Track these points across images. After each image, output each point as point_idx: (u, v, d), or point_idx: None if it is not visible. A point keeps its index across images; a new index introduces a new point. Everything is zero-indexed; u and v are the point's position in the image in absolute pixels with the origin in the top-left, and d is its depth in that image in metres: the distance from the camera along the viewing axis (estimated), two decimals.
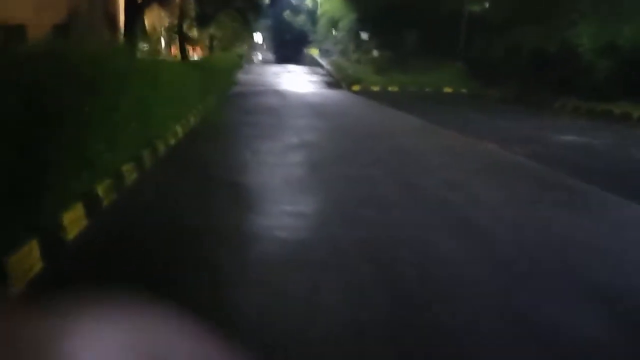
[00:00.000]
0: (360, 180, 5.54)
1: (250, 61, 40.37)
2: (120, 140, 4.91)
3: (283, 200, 4.74)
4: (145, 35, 12.20)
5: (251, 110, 12.38)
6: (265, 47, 57.80)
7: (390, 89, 21.61)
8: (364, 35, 26.62)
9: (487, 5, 24.13)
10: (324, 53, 37.24)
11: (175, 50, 18.29)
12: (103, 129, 4.50)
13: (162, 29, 16.82)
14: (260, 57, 51.73)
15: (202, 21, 14.17)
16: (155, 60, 7.32)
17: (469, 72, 22.58)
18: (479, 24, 22.73)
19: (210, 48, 18.95)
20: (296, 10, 45.19)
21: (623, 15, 14.71)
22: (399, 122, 11.51)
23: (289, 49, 46.16)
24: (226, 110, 12.43)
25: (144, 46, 12.07)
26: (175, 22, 15.42)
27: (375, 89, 21.43)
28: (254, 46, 46.97)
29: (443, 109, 14.63)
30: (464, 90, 21.54)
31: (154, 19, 17.55)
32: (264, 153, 7.07)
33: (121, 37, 13.61)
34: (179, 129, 7.81)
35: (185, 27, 14.48)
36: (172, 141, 7.19)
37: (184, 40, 13.31)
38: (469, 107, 15.54)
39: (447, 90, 21.70)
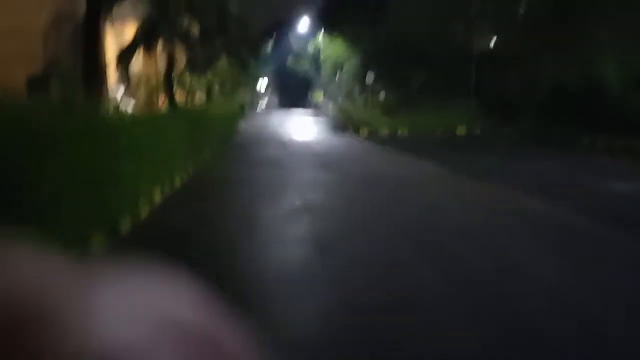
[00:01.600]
0: (383, 265, 4.11)
1: (253, 108, 39.73)
2: (55, 220, 3.56)
3: (280, 318, 3.30)
4: (128, 86, 11.08)
5: (250, 163, 11.10)
6: (269, 92, 57.66)
7: (399, 132, 20.42)
8: (369, 77, 25.73)
9: (494, 40, 23.19)
10: (329, 97, 36.52)
11: (181, 97, 17.32)
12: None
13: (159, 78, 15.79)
14: (264, 103, 51.38)
15: (196, 68, 13.12)
16: (116, 116, 6.03)
17: (482, 110, 21.42)
18: (489, 59, 21.74)
19: (208, 96, 17.97)
20: (299, 55, 44.95)
21: None
22: (415, 172, 10.14)
23: (293, 94, 45.74)
24: (222, 164, 11.17)
25: (124, 100, 10.97)
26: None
27: (384, 132, 20.24)
28: (257, 92, 46.57)
29: (460, 153, 13.30)
30: (477, 131, 20.30)
31: (149, 68, 16.66)
32: (255, 224, 5.69)
33: (107, 90, 12.54)
34: (155, 195, 6.47)
35: (177, 74, 13.43)
36: (144, 211, 5.83)
37: (172, 89, 12.17)
38: (488, 149, 14.22)
39: (460, 130, 20.46)
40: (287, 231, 5.24)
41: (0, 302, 0.16)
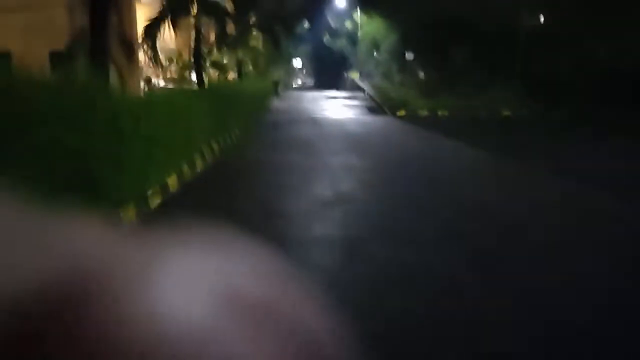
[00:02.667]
0: (432, 285, 3.39)
1: (288, 87, 39.04)
2: None
3: None
4: (156, 60, 10.55)
5: (280, 145, 10.46)
6: (304, 72, 56.81)
7: (440, 113, 19.36)
8: (409, 56, 24.53)
9: (542, 18, 21.56)
10: (366, 76, 35.43)
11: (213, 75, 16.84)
12: None
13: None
14: (299, 82, 50.61)
15: (226, 44, 12.49)
16: (121, 96, 5.44)
17: (529, 92, 20.04)
18: (537, 38, 20.26)
19: (239, 74, 17.38)
20: (336, 34, 43.79)
21: None
22: (460, 159, 9.28)
23: (328, 73, 44.72)
24: (251, 146, 10.58)
25: (152, 74, 10.46)
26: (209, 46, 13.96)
27: (423, 114, 19.23)
28: (292, 71, 45.80)
29: (510, 137, 12.25)
30: (524, 113, 19.02)
31: (180, 43, 16.17)
32: (279, 218, 5.05)
33: (137, 67, 12.09)
34: (171, 181, 5.91)
35: (206, 51, 12.84)
36: (153, 202, 5.26)
37: (200, 65, 11.57)
38: (540, 134, 13.11)
39: (505, 113, 19.22)
40: (312, 231, 4.57)
41: (57, 278, 0.14)
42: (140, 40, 10.83)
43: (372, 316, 2.75)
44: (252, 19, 13.45)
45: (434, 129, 13.78)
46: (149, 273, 0.14)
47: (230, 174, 7.54)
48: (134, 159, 4.59)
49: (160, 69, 12.12)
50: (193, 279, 0.15)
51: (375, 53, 32.66)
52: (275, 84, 27.17)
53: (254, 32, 14.99)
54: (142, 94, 10.38)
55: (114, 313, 0.13)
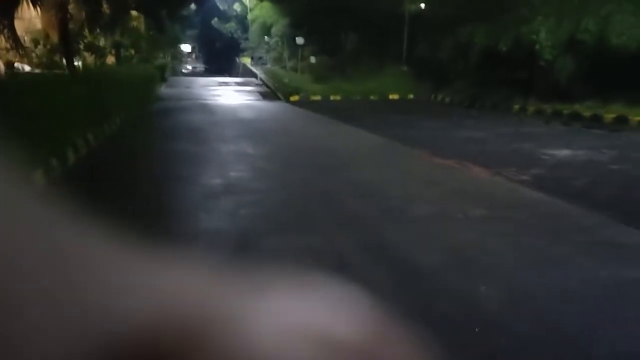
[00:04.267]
0: (325, 267, 3.26)
1: (177, 72, 37.23)
2: None
3: None
4: (16, 42, 9.31)
5: (168, 134, 9.82)
6: (194, 57, 54.67)
7: (332, 98, 19.59)
8: (299, 41, 24.41)
9: (423, 4, 22.59)
10: (257, 61, 34.85)
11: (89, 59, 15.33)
12: None
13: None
14: (189, 67, 48.58)
15: (100, 25, 11.39)
16: None
17: (415, 75, 20.99)
18: (422, 23, 21.20)
19: (117, 58, 16.06)
20: (225, 17, 42.49)
21: (582, 8, 13.38)
22: (351, 141, 9.36)
23: (219, 58, 43.41)
24: (134, 135, 9.81)
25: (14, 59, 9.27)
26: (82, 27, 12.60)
27: (316, 98, 19.32)
28: (181, 56, 43.78)
29: (396, 120, 12.68)
30: (411, 96, 19.90)
31: (48, 23, 14.52)
32: (164, 209, 4.66)
33: None
34: (37, 177, 5.20)
35: (77, 33, 11.63)
36: None
37: (69, 48, 10.43)
38: (423, 115, 13.74)
39: (394, 96, 19.94)
40: (198, 224, 4.24)
41: None
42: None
43: None
44: None
45: (325, 113, 13.84)
46: None
47: (106, 167, 6.86)
48: None
49: (23, 52, 10.74)
50: None
51: (266, 37, 32.19)
52: (162, 69, 25.66)
53: (134, 13, 13.87)
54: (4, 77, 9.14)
55: None
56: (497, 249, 3.61)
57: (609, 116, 11.71)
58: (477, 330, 2.49)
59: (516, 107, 14.57)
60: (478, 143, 8.68)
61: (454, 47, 18.12)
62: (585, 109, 12.46)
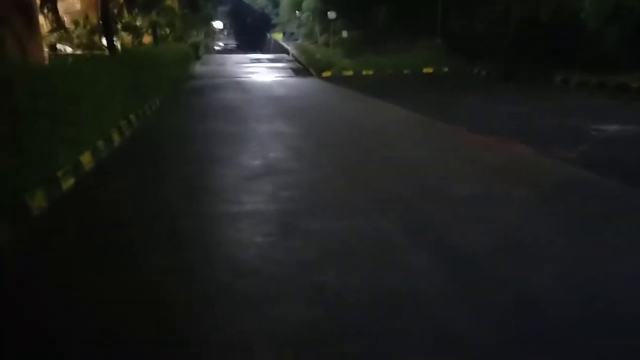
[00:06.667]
0: (370, 255, 3.30)
1: (210, 50, 37.39)
2: None
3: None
4: (59, 24, 9.52)
5: (204, 113, 9.95)
6: (226, 34, 54.69)
7: (364, 73, 19.33)
8: (331, 15, 24.05)
9: None
10: (289, 37, 34.61)
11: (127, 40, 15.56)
12: None
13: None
14: (222, 44, 48.68)
15: (137, 5, 11.51)
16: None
17: (450, 48, 20.43)
18: None
19: (155, 38, 16.24)
20: None
21: None
22: (386, 117, 9.28)
23: (251, 34, 43.26)
24: (173, 115, 9.98)
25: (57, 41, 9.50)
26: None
27: (348, 74, 19.12)
28: (213, 34, 43.88)
29: (431, 95, 12.46)
30: (445, 70, 19.43)
31: (87, 4, 14.80)
32: (204, 193, 4.78)
33: (40, 28, 10.94)
34: (85, 159, 5.39)
35: (117, 12, 11.79)
36: (69, 182, 4.77)
37: (110, 30, 10.59)
38: (459, 89, 13.45)
39: (427, 70, 19.53)
40: (242, 207, 4.33)
41: None
42: (39, 3, 9.72)
43: None
44: None
45: (358, 88, 13.72)
46: None
47: (151, 147, 7.05)
48: (35, 138, 4.08)
49: (65, 34, 10.98)
50: None
51: (297, 12, 31.86)
52: (196, 47, 25.82)
53: None
54: (46, 62, 9.39)
55: None
56: (545, 233, 3.56)
57: None
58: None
59: (558, 79, 14.06)
60: (519, 118, 8.46)
61: (490, 18, 17.52)
62: (634, 80, 11.91)
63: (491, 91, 12.93)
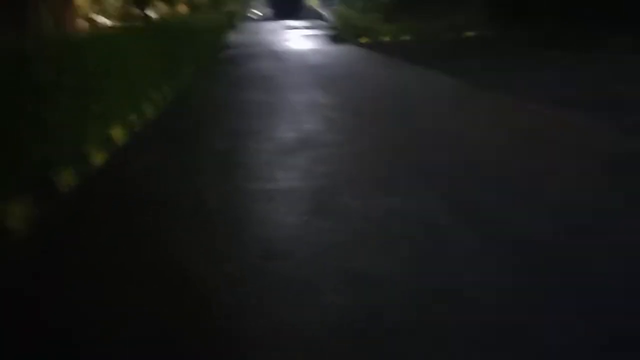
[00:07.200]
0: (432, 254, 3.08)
1: (245, 19, 36.97)
2: None
3: None
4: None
5: (237, 83, 9.79)
6: (261, 2, 53.95)
7: (403, 38, 18.67)
8: None
9: None
10: (325, 2, 33.76)
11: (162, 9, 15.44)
12: None
13: None
14: (257, 13, 48.12)
15: None
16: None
17: (492, 12, 19.39)
18: None
19: (190, 6, 16.06)
20: None
21: None
22: (425, 85, 8.89)
23: (287, 1, 42.43)
24: (208, 85, 9.87)
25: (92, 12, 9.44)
26: None
27: (386, 40, 18.51)
28: (248, 2, 43.32)
29: (473, 61, 11.80)
30: (488, 33, 18.47)
31: None
32: (241, 168, 4.64)
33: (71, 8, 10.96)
34: (116, 133, 5.33)
35: None
36: (100, 158, 4.71)
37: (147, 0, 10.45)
38: (503, 55, 12.71)
39: (468, 34, 18.64)
40: (275, 180, 4.16)
41: None
42: None
43: None
44: None
45: (397, 55, 13.23)
46: None
47: (184, 119, 6.96)
48: (61, 114, 3.99)
49: (101, 5, 10.93)
50: None
51: None
52: (231, 16, 25.52)
53: None
54: (82, 34, 9.36)
55: None
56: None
57: None
58: None
59: (617, 41, 13.00)
60: (574, 86, 7.85)
61: None
62: None
63: (538, 57, 12.16)
